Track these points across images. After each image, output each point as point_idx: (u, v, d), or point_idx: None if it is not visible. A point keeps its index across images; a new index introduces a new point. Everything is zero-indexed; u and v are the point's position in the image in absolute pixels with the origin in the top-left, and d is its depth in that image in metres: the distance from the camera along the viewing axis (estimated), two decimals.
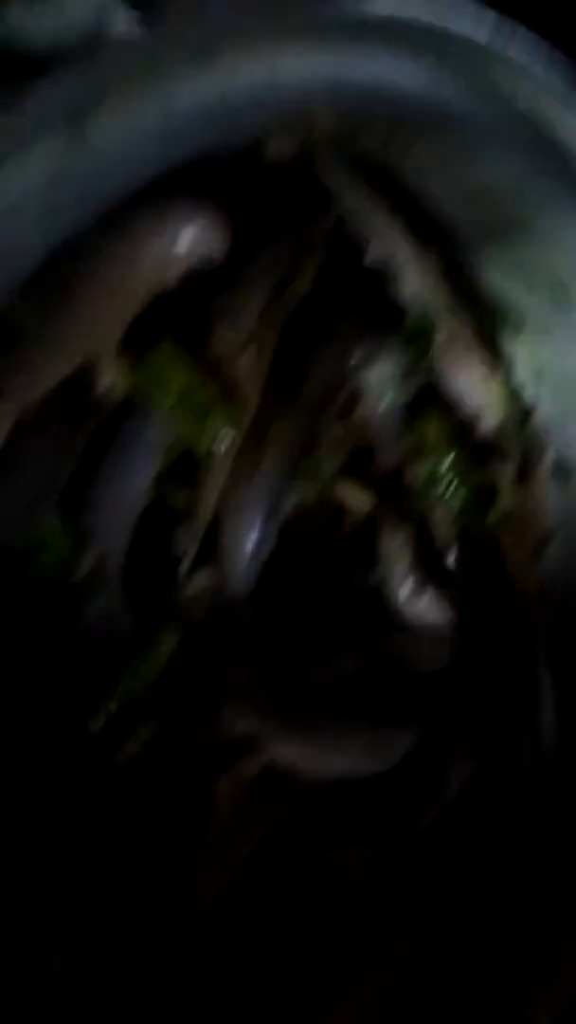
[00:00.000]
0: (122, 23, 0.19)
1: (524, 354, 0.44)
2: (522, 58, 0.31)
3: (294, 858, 0.41)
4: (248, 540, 0.37)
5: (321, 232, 0.33)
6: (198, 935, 0.39)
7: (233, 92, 0.23)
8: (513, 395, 0.45)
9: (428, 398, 0.43)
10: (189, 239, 0.28)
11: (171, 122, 0.22)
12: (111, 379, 0.29)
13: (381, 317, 0.38)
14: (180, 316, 0.30)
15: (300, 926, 0.41)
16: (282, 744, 0.38)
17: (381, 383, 0.39)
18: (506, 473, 0.45)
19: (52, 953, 0.35)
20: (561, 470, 0.46)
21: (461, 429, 0.44)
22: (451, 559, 0.44)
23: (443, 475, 0.43)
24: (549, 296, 0.41)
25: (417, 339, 0.40)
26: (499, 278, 0.41)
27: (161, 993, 0.38)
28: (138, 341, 0.28)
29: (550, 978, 0.41)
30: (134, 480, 0.32)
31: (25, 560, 0.31)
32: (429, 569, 0.43)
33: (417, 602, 0.42)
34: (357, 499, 0.41)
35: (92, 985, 0.36)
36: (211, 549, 0.36)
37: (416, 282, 0.38)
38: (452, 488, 0.43)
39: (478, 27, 0.30)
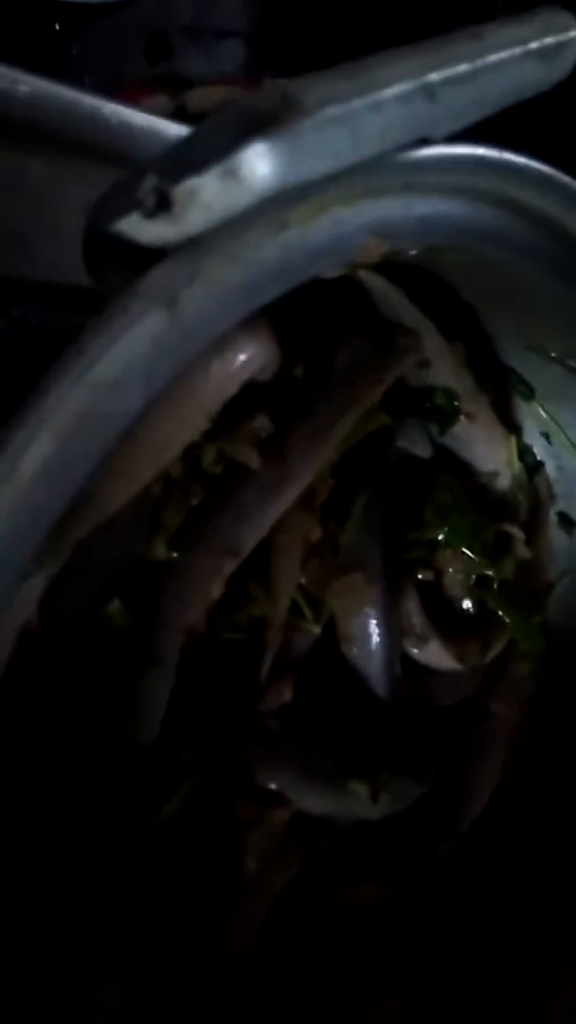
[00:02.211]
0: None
1: (534, 418, 0.47)
2: (545, 176, 0.33)
3: (313, 894, 0.44)
4: (381, 655, 0.41)
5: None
6: (229, 974, 0.41)
7: (304, 250, 0.25)
8: (523, 454, 0.48)
9: (444, 463, 0.46)
10: (246, 360, 0.30)
11: (251, 284, 0.24)
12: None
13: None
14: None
15: (320, 958, 0.44)
16: (312, 798, 0.41)
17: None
18: (517, 528, 0.47)
19: (97, 994, 0.38)
20: (566, 522, 0.49)
21: (476, 489, 0.47)
22: (464, 607, 0.47)
23: (461, 536, 0.45)
24: (561, 372, 0.43)
25: (442, 417, 0.42)
26: (515, 357, 0.44)
27: None
28: None
29: (557, 998, 0.44)
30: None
31: (90, 639, 0.33)
32: (441, 619, 0.46)
33: (423, 651, 0.44)
34: None
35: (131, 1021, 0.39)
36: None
37: (444, 371, 0.40)
38: (468, 545, 0.45)
39: (509, 158, 0.32)
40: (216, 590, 0.37)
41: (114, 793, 0.36)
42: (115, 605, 0.34)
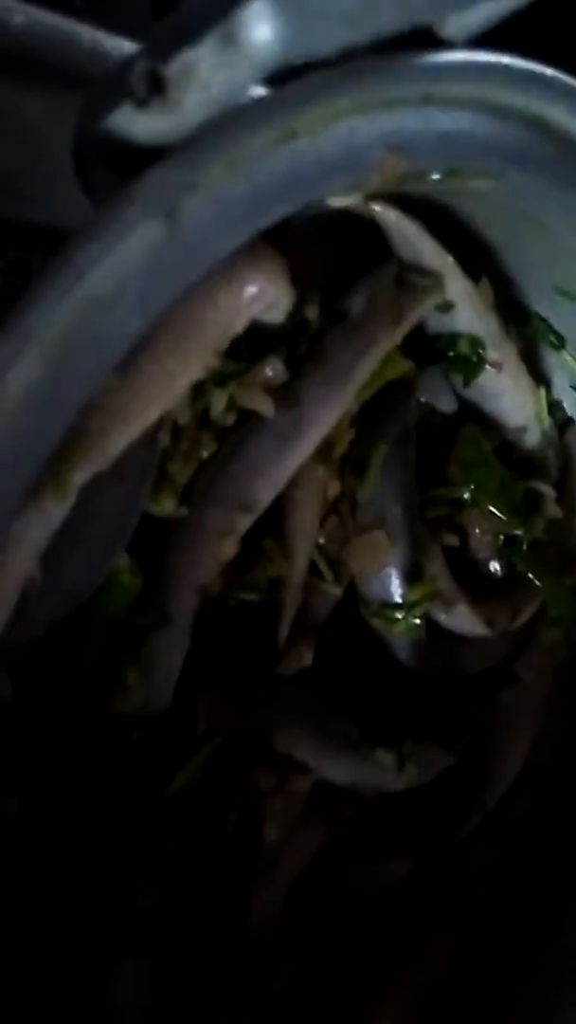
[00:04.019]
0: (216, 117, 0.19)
1: (565, 369, 0.45)
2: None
3: (336, 867, 0.42)
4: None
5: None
6: (251, 949, 0.40)
7: (313, 162, 0.23)
8: (553, 407, 0.46)
9: (469, 417, 0.44)
10: (255, 292, 0.28)
11: (256, 197, 0.22)
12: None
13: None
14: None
15: (344, 934, 0.43)
16: (335, 767, 0.39)
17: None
18: (547, 486, 0.45)
19: (117, 968, 0.37)
20: None
21: (503, 447, 0.45)
22: (492, 570, 0.45)
23: (487, 493, 0.43)
24: None
25: (466, 367, 0.40)
26: (543, 302, 0.41)
27: (216, 1004, 0.39)
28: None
29: None
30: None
31: (95, 600, 0.32)
32: (468, 582, 0.44)
33: (451, 615, 0.42)
34: None
35: (154, 1000, 0.38)
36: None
37: (469, 315, 0.38)
38: (495, 503, 0.43)
39: (535, 68, 0.30)
40: (230, 548, 0.35)
41: (127, 760, 0.35)
42: (124, 561, 0.32)
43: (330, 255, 0.36)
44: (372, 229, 0.37)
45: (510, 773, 0.46)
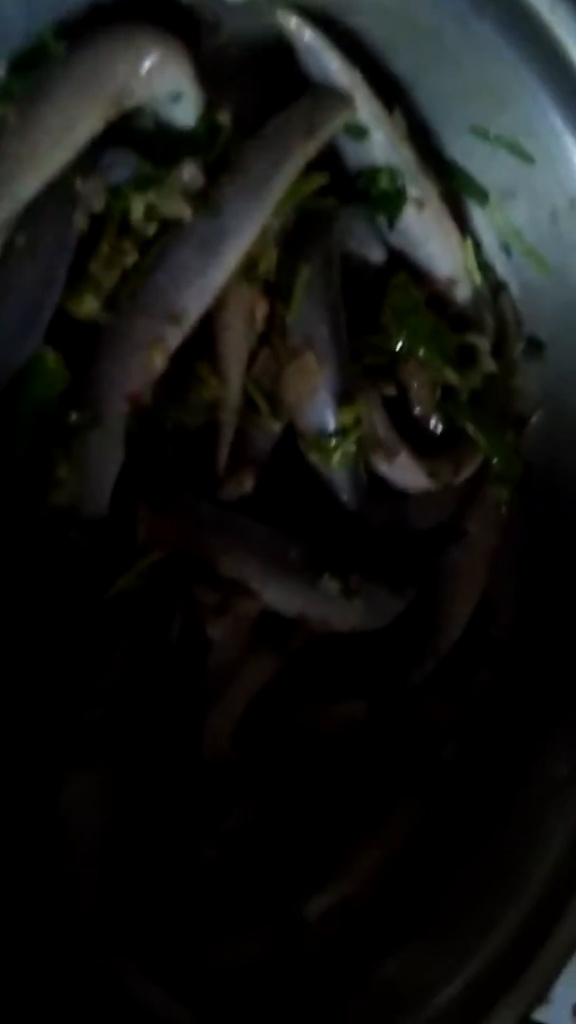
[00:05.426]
0: None
1: (491, 228, 0.46)
2: None
3: (287, 708, 0.42)
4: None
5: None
6: (205, 775, 0.40)
7: None
8: (484, 270, 0.47)
9: (400, 265, 0.45)
10: (152, 63, 0.30)
11: None
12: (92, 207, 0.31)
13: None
14: None
15: (305, 774, 0.43)
16: (280, 591, 0.40)
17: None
18: (483, 341, 0.46)
19: (67, 779, 0.37)
20: (533, 346, 0.48)
21: (436, 297, 0.46)
22: (432, 426, 0.46)
23: (420, 339, 0.44)
24: (510, 164, 0.42)
25: (388, 202, 0.41)
26: (460, 145, 0.43)
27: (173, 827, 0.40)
28: None
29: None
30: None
31: (21, 385, 0.33)
32: (408, 435, 0.45)
33: (392, 466, 0.43)
34: None
35: (107, 815, 0.38)
36: None
37: (383, 141, 0.40)
38: (430, 353, 0.44)
39: None
40: (159, 359, 0.36)
41: (66, 562, 0.36)
42: (49, 353, 0.34)
43: (246, 80, 0.38)
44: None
45: (460, 620, 0.46)
